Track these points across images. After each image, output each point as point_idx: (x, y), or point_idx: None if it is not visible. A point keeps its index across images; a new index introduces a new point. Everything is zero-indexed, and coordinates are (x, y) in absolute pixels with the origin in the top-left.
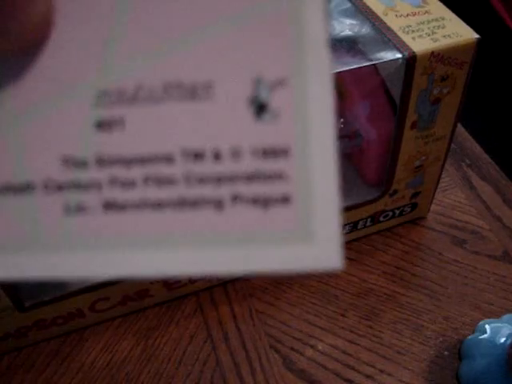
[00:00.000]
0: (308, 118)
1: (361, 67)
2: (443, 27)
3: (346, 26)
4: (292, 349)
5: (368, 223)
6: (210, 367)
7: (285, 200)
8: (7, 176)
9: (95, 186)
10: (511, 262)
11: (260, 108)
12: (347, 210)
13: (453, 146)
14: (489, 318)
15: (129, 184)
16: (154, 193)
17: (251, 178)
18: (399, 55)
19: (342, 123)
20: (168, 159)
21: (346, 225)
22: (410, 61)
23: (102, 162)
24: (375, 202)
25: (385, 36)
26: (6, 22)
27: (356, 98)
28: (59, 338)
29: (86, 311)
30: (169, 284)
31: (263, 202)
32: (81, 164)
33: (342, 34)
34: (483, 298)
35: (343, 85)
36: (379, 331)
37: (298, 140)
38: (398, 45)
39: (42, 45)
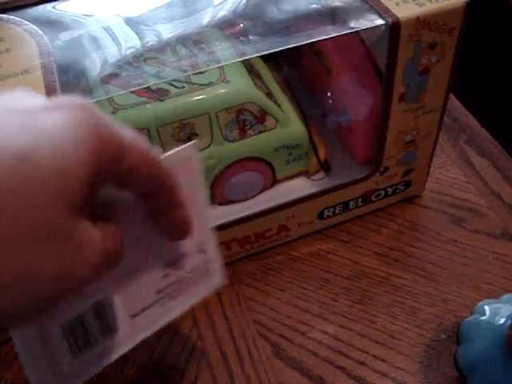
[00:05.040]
0: None
1: (341, 35)
2: None
3: None
4: (281, 336)
5: (359, 203)
6: (196, 357)
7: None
8: None
9: None
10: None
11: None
12: (337, 189)
13: (448, 120)
14: (488, 298)
15: None
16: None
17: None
18: (382, 21)
19: (330, 98)
20: None
21: (336, 205)
22: (394, 27)
23: None
24: (366, 181)
25: (366, 2)
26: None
27: (342, 71)
28: None
29: None
30: None
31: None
32: None
33: (328, 4)
34: (482, 279)
35: (329, 59)
36: (373, 315)
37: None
38: (381, 11)
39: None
